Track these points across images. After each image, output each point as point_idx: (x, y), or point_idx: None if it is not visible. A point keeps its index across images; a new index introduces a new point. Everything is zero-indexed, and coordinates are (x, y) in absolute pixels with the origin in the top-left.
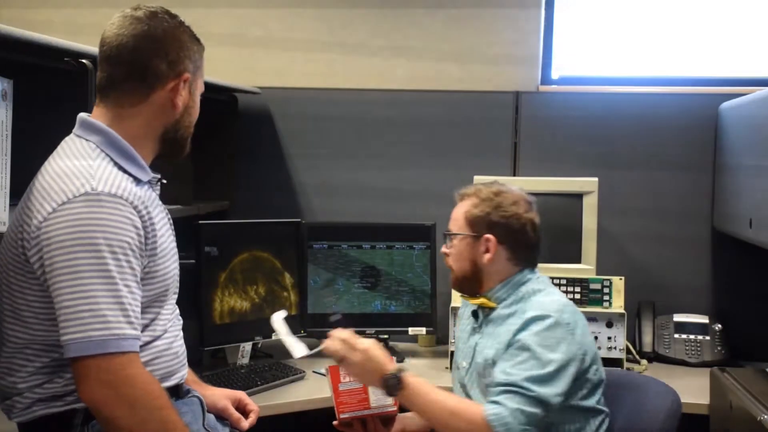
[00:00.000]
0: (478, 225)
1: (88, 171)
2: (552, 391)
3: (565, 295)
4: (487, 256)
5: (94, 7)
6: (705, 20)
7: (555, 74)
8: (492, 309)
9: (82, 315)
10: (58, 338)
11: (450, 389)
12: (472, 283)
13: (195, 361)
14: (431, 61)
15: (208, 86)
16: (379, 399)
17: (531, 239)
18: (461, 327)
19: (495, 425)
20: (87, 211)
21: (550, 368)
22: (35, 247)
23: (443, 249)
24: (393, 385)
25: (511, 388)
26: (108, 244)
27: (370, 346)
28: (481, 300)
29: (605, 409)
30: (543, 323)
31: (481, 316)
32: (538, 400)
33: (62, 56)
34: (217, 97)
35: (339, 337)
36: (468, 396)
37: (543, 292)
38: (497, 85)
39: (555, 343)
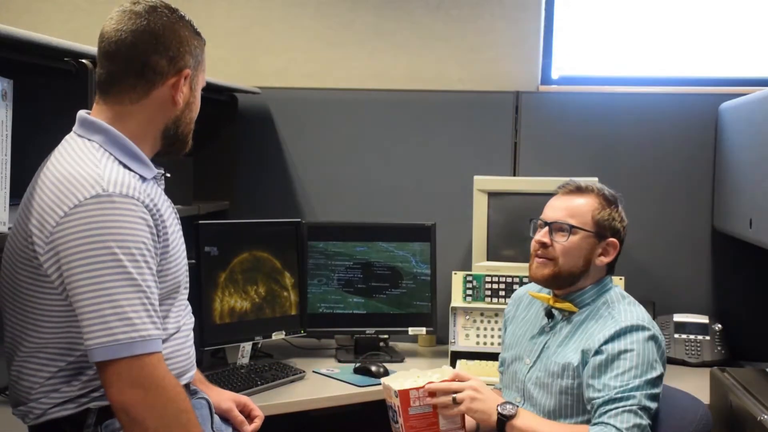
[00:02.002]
0: (604, 227)
1: (96, 172)
2: (654, 404)
3: None
4: (603, 258)
5: (94, 6)
6: (705, 20)
7: (555, 74)
8: (572, 312)
9: (107, 319)
10: (72, 341)
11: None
12: (571, 280)
13: (195, 361)
14: (431, 61)
15: (208, 86)
16: (447, 423)
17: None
18: (519, 322)
19: None
20: (100, 213)
21: (652, 378)
22: (50, 253)
23: (544, 238)
24: (509, 412)
25: (617, 404)
26: (125, 245)
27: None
28: (565, 305)
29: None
30: (642, 334)
31: (558, 316)
32: (645, 410)
33: (62, 56)
34: (217, 97)
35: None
36: (528, 393)
37: (628, 301)
38: (497, 85)
39: (654, 356)
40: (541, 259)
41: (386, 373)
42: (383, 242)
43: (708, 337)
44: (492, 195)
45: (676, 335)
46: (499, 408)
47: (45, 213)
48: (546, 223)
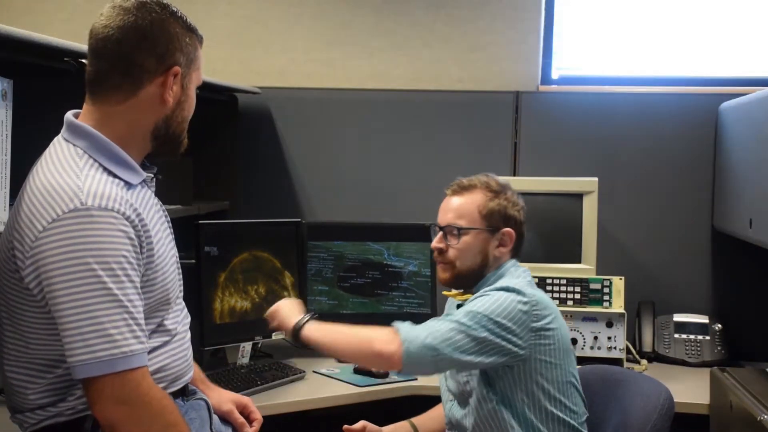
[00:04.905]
0: (494, 219)
1: (77, 183)
2: (482, 333)
3: (550, 293)
4: (502, 249)
5: (95, 6)
6: (705, 20)
7: (555, 74)
8: None
9: (87, 336)
10: (59, 354)
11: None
12: (475, 277)
13: (195, 361)
14: (431, 61)
15: (208, 86)
16: None
17: (525, 230)
18: None
19: (402, 333)
20: (78, 228)
21: (493, 318)
22: (30, 267)
23: (439, 244)
24: (299, 323)
25: (445, 317)
26: (104, 260)
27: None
28: (466, 296)
29: (569, 418)
30: (506, 293)
31: None
32: (459, 329)
33: (62, 56)
34: (217, 97)
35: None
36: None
37: (511, 275)
38: (497, 85)
39: (510, 307)
40: (441, 264)
41: (386, 373)
42: (383, 242)
43: (708, 337)
44: None
45: (676, 335)
46: (294, 319)
47: (25, 226)
48: (440, 228)
